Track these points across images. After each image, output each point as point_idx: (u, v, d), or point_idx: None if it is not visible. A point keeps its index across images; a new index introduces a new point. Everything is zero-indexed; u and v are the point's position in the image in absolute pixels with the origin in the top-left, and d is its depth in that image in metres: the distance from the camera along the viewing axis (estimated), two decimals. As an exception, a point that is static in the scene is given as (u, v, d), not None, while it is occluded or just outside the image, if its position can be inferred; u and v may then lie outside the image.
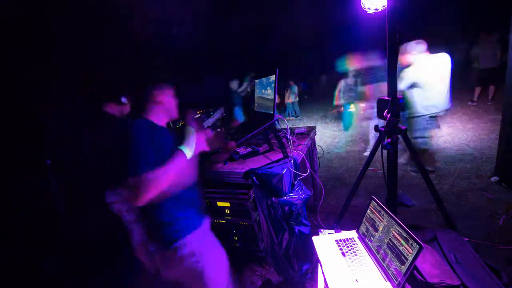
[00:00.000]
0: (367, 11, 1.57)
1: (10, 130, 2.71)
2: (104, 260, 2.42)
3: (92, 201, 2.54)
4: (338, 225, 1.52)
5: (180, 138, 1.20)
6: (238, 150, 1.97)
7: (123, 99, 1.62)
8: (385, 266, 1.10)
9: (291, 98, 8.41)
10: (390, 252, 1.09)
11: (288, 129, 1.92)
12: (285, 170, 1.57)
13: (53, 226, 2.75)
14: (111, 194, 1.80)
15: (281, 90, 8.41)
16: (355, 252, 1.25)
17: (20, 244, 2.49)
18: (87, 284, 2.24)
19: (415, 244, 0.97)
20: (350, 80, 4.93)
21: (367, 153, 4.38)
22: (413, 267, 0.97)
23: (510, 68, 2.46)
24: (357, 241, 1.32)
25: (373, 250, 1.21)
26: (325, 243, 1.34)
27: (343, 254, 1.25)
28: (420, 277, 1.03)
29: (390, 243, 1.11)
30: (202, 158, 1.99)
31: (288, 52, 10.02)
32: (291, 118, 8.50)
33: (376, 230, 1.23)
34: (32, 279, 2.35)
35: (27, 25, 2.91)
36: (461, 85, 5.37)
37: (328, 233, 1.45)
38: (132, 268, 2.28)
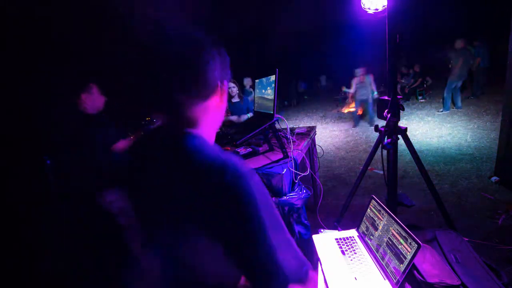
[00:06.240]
0: (367, 11, 1.57)
1: (9, 130, 2.72)
2: (103, 261, 2.41)
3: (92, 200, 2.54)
4: (338, 224, 1.52)
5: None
6: (238, 150, 1.97)
7: None
8: (384, 264, 1.10)
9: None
10: (389, 251, 1.10)
11: (288, 129, 1.92)
12: (285, 170, 1.57)
13: (53, 226, 2.75)
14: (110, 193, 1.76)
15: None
16: (354, 250, 1.25)
17: (20, 245, 2.49)
18: (87, 284, 2.23)
19: (414, 243, 0.98)
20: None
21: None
22: (411, 265, 0.98)
23: (510, 69, 2.46)
24: (357, 239, 1.33)
25: (373, 248, 1.21)
26: (325, 241, 1.34)
27: (343, 252, 1.25)
28: (419, 277, 1.03)
29: (389, 242, 1.11)
30: None
31: (288, 52, 10.04)
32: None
33: (376, 229, 1.23)
34: (32, 279, 2.35)
35: (27, 24, 2.92)
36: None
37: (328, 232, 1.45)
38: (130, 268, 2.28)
